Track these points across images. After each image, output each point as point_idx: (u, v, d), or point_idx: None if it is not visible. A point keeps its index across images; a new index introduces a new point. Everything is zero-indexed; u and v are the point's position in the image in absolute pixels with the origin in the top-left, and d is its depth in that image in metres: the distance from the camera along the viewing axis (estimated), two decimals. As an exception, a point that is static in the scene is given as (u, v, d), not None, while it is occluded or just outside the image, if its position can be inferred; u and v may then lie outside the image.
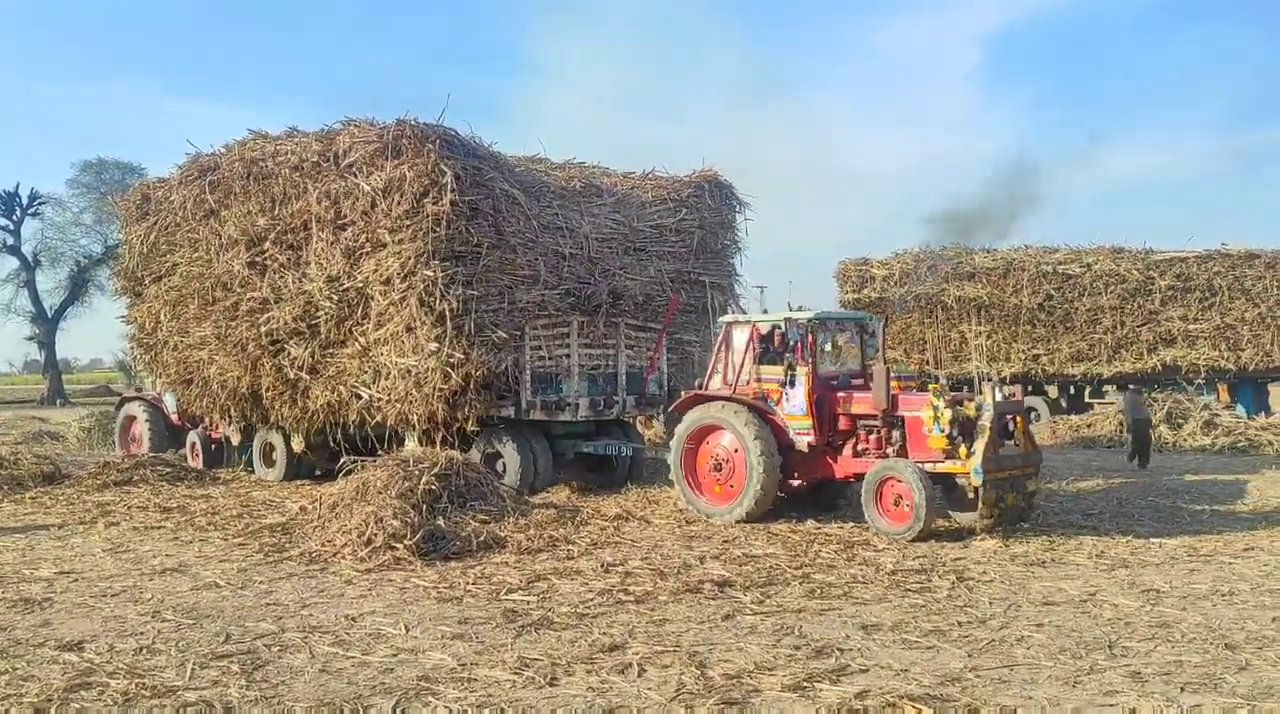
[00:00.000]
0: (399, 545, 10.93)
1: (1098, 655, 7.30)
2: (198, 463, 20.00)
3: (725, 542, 11.73)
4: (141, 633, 8.15)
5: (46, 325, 56.05)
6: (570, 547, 11.44)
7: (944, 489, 12.12)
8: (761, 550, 11.17)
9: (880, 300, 28.34)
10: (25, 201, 55.28)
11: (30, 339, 57.73)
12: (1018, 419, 12.43)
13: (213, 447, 20.21)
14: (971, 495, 11.83)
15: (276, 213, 16.73)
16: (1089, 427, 23.92)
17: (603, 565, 10.46)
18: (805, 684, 6.66)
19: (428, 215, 14.72)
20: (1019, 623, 8.21)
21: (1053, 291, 26.83)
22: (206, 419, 19.60)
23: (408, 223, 14.92)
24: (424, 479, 12.58)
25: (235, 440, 19.45)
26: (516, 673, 6.96)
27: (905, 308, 28.11)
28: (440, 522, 11.82)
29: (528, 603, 8.98)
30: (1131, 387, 17.51)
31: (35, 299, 55.91)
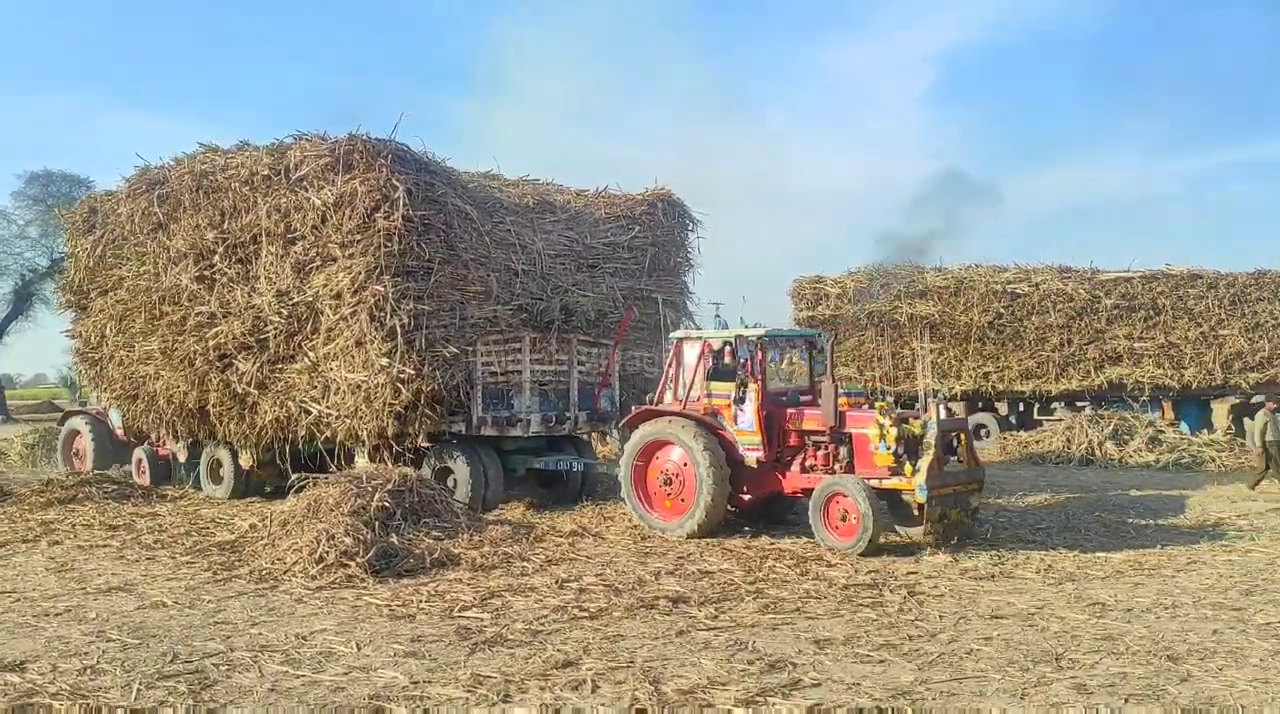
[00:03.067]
0: (351, 563, 10.83)
1: (1045, 668, 7.42)
2: (144, 480, 19.67)
3: (680, 557, 11.76)
4: (86, 653, 8.00)
5: (-11, 340, 54.82)
6: (525, 563, 11.40)
7: (890, 504, 12.24)
8: (716, 566, 11.21)
9: (834, 317, 28.64)
10: (-32, 214, 54.07)
11: (-30, 354, 56.43)
12: (962, 436, 12.64)
13: (160, 463, 19.91)
14: (916, 511, 11.98)
15: (226, 227, 16.55)
16: (1038, 443, 24.28)
17: (557, 582, 10.44)
18: (758, 699, 6.70)
19: (379, 230, 14.65)
20: (968, 636, 8.31)
21: (1002, 309, 27.23)
22: (154, 435, 19.30)
23: (359, 237, 14.85)
24: (377, 496, 12.49)
25: (182, 457, 19.16)
26: (469, 690, 6.93)
27: (859, 324, 28.42)
28: (394, 539, 11.73)
29: (481, 620, 8.94)
30: (1271, 405, 17.48)
31: (-23, 313, 54.67)
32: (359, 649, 8.05)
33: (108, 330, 18.84)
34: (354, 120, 15.01)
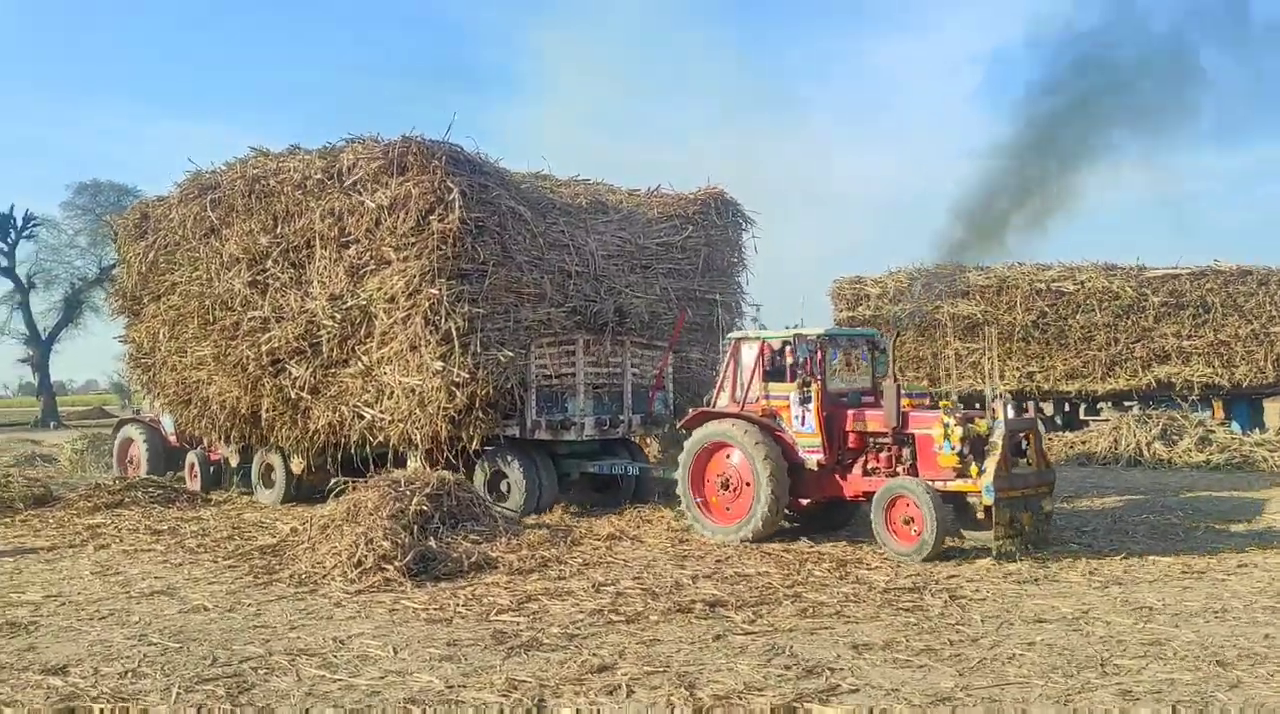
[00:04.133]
0: (389, 566, 10.87)
1: (1089, 674, 7.26)
2: (196, 484, 19.84)
3: (718, 561, 11.69)
4: (127, 656, 8.09)
5: (40, 348, 55.92)
6: (562, 567, 11.38)
7: (956, 508, 11.94)
8: (754, 569, 11.12)
9: (875, 318, 28.38)
10: (20, 223, 55.26)
11: (24, 361, 57.61)
12: (1030, 436, 12.21)
13: (211, 468, 20.06)
14: (983, 515, 11.63)
15: (279, 231, 16.61)
16: (1084, 444, 23.89)
17: (594, 585, 10.40)
18: (794, 704, 6.62)
19: (433, 233, 14.62)
20: (1011, 641, 8.16)
21: (1046, 308, 26.85)
22: (205, 440, 19.48)
23: (413, 240, 14.83)
24: (415, 500, 12.54)
25: (234, 462, 19.31)
26: (504, 695, 6.91)
27: (902, 326, 28.13)
28: (431, 542, 11.76)
29: (517, 624, 8.92)
30: None
31: (29, 321, 55.77)
32: (395, 653, 8.06)
33: (160, 336, 19.00)
34: (397, 126, 15.04)
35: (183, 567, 12.17)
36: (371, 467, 16.01)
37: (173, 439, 21.49)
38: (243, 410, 17.42)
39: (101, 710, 6.66)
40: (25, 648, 8.44)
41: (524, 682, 7.18)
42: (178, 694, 7.05)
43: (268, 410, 16.99)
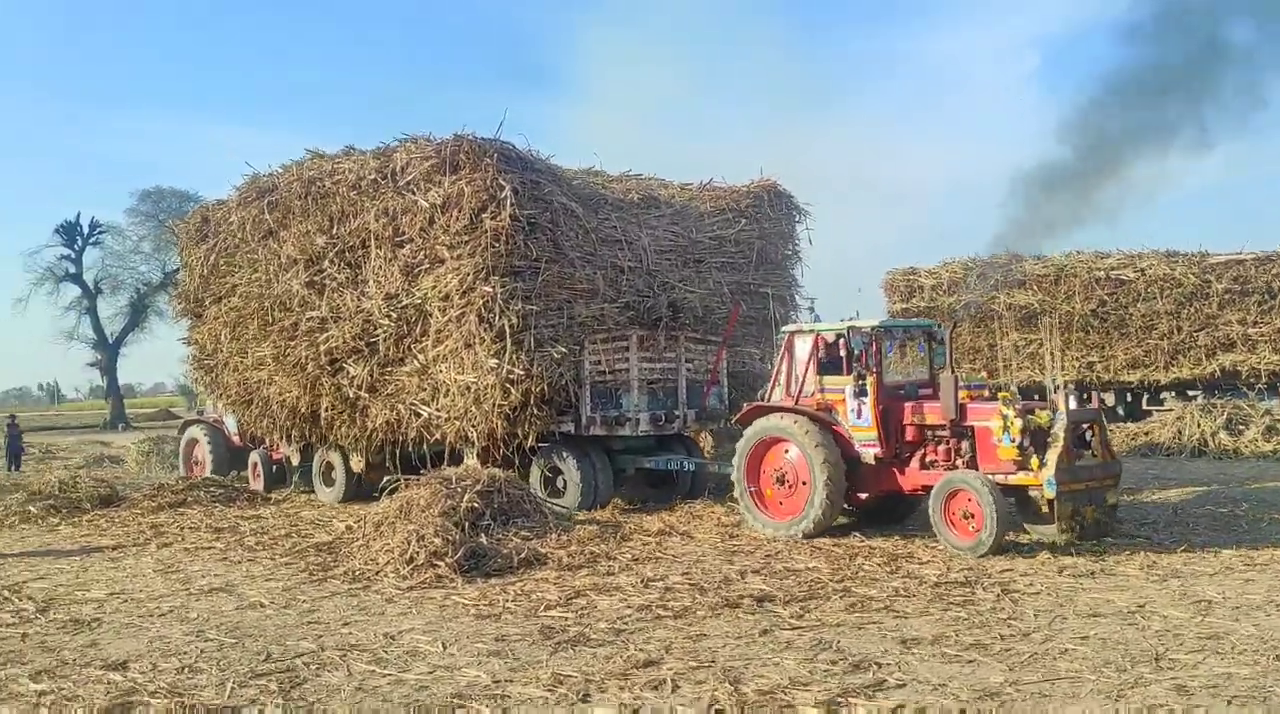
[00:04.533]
0: (440, 563, 10.99)
1: (1143, 668, 7.12)
2: (259, 484, 20.18)
3: (767, 556, 11.64)
4: (185, 652, 8.27)
5: (108, 351, 57.39)
6: (611, 563, 11.41)
7: (1017, 502, 11.77)
8: (804, 564, 11.06)
9: (930, 310, 28.07)
10: (86, 231, 56.77)
11: (92, 365, 59.18)
12: (1094, 427, 11.95)
13: (274, 467, 20.40)
14: (1045, 508, 11.42)
15: (335, 231, 16.82)
16: (1146, 434, 23.41)
17: (642, 581, 10.42)
18: (840, 700, 6.58)
19: (486, 230, 14.69)
20: (1063, 635, 8.03)
21: (1106, 297, 26.38)
22: (267, 440, 19.82)
23: (466, 238, 14.93)
24: (466, 497, 12.67)
25: (295, 461, 19.60)
26: (550, 690, 6.96)
27: (958, 316, 27.77)
28: (482, 539, 11.87)
29: (565, 619, 8.97)
30: None
31: (96, 326, 57.32)
32: (444, 648, 8.15)
33: (222, 337, 19.35)
34: (457, 125, 15.12)
35: (241, 564, 12.41)
36: (429, 464, 16.18)
37: (236, 439, 21.89)
38: (302, 410, 17.69)
39: (157, 705, 6.81)
40: (88, 644, 8.67)
41: (570, 677, 7.21)
42: (231, 689, 7.19)
43: (327, 409, 17.23)
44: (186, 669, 7.75)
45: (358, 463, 17.98)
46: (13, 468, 28.23)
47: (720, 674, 7.17)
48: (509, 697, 6.86)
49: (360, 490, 18.11)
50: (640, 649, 7.89)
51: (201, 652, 8.27)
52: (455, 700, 6.80)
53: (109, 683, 7.43)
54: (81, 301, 57.20)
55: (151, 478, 23.60)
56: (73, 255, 57.00)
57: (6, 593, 10.85)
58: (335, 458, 18.41)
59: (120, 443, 35.70)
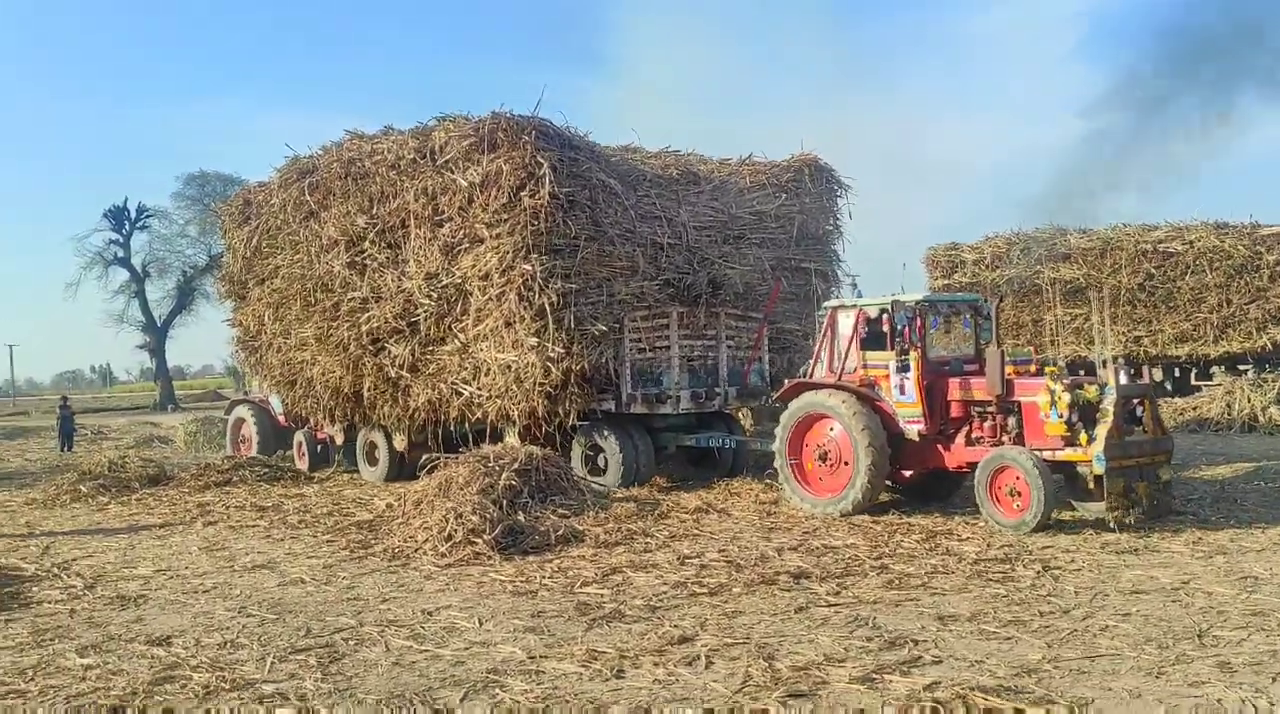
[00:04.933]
0: (478, 540, 11.06)
1: (1185, 645, 7.01)
2: (304, 464, 20.41)
3: (805, 533, 11.59)
4: (227, 628, 8.40)
5: (156, 334, 58.32)
6: (648, 540, 11.42)
7: (1066, 479, 11.57)
8: (841, 541, 11.01)
9: (972, 286, 27.74)
10: (133, 215, 57.61)
11: (141, 348, 60.18)
12: (1145, 402, 11.67)
13: (319, 447, 20.62)
14: (1093, 485, 11.19)
15: (375, 212, 16.88)
16: (1195, 409, 22.98)
17: (679, 558, 10.42)
18: (874, 676, 6.54)
19: (525, 208, 14.67)
20: (1104, 612, 7.92)
21: (1153, 270, 25.94)
22: (312, 420, 20.02)
23: (505, 217, 14.91)
24: (504, 475, 12.72)
25: (339, 440, 19.79)
26: (584, 665, 6.98)
27: (1003, 291, 27.43)
28: (520, 516, 11.93)
29: (601, 596, 8.99)
30: None
31: (145, 309, 58.24)
32: (481, 625, 8.21)
33: (265, 318, 19.53)
34: (499, 105, 14.94)
35: (284, 542, 12.58)
36: (472, 443, 16.25)
37: (282, 419, 22.15)
38: (345, 390, 17.84)
39: (199, 680, 6.92)
40: (133, 620, 8.84)
41: (604, 652, 7.23)
42: (271, 664, 7.29)
43: (369, 389, 17.36)
44: (228, 644, 7.87)
45: (400, 442, 18.10)
46: (65, 448, 28.85)
47: (754, 650, 7.16)
48: (543, 672, 6.89)
49: (403, 469, 18.19)
50: (675, 625, 7.89)
51: (243, 627, 8.39)
52: (490, 676, 6.85)
53: (153, 658, 7.56)
54: (130, 285, 58.15)
55: (199, 458, 24.02)
56: (121, 239, 57.95)
57: (56, 570, 11.08)
58: (378, 437, 18.54)
59: (169, 424, 36.30)
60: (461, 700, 6.41)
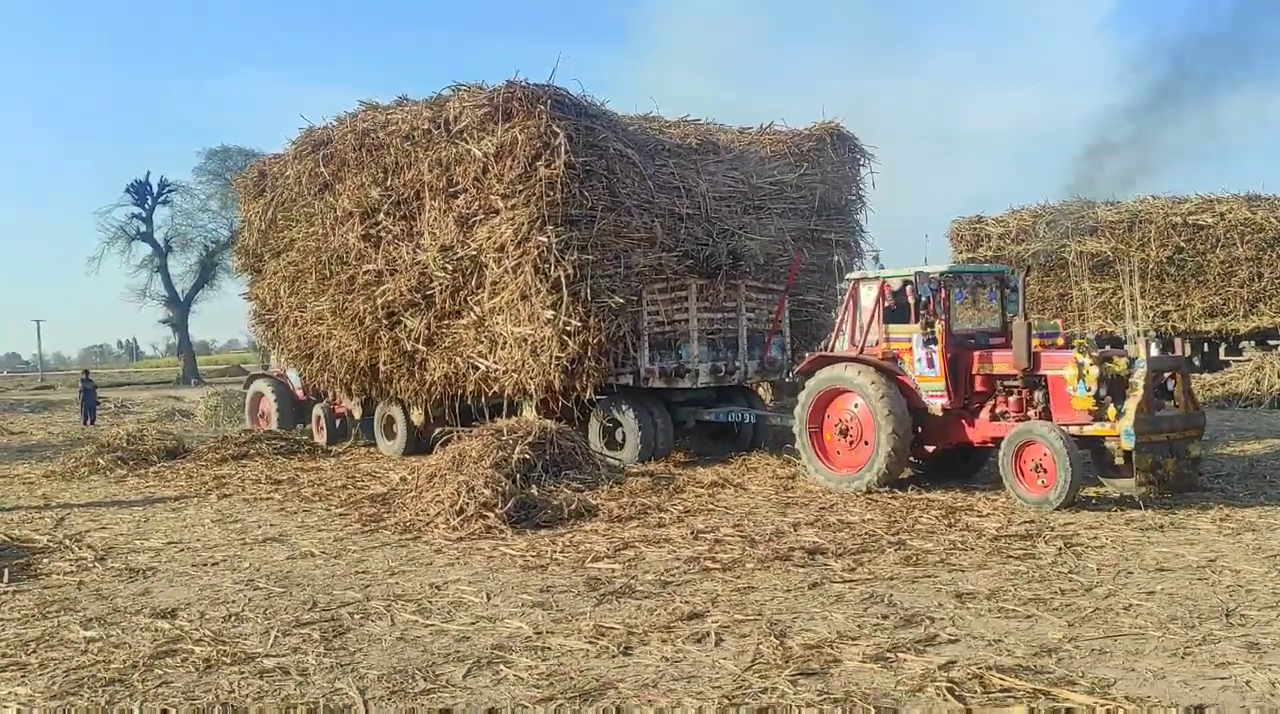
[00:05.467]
0: (490, 514, 10.93)
1: (1212, 625, 6.78)
2: (322, 438, 20.36)
3: (822, 508, 11.40)
4: (233, 601, 8.31)
5: (179, 308, 58.58)
6: (662, 515, 11.26)
7: (1094, 454, 11.30)
8: (858, 517, 10.81)
9: (996, 259, 27.32)
10: (156, 190, 57.77)
11: (164, 322, 60.51)
12: (1177, 376, 11.33)
13: (337, 421, 20.55)
14: (1122, 461, 10.90)
15: (389, 183, 16.66)
16: (1224, 385, 22.58)
17: (693, 533, 10.25)
18: (888, 655, 6.35)
19: (540, 179, 14.40)
20: (1128, 590, 7.70)
21: (1183, 243, 25.45)
22: (330, 394, 19.94)
23: (520, 187, 14.65)
24: (518, 449, 12.60)
25: (357, 414, 19.71)
26: (591, 642, 6.83)
27: (1030, 263, 27.00)
28: (533, 490, 11.81)
29: (612, 571, 8.84)
30: None
31: (168, 283, 58.52)
32: (489, 599, 8.07)
33: (281, 292, 19.39)
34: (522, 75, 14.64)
35: (297, 515, 12.51)
36: (489, 417, 16.10)
37: (300, 393, 22.10)
38: (361, 363, 17.70)
39: (200, 653, 6.82)
40: (140, 592, 8.76)
41: (612, 629, 7.08)
42: (275, 638, 7.18)
43: (385, 363, 17.22)
44: (233, 618, 7.78)
45: (418, 416, 17.97)
46: (88, 422, 28.99)
47: (766, 628, 6.99)
48: (549, 648, 6.74)
49: (421, 443, 18.01)
50: (686, 602, 7.73)
51: (249, 600, 8.30)
52: (495, 652, 6.71)
53: (156, 630, 7.48)
54: (153, 260, 58.41)
55: (220, 431, 24.00)
56: (143, 214, 58.16)
57: (68, 542, 11.04)
58: (396, 411, 18.43)
59: (192, 398, 36.44)
60: (464, 677, 6.27)
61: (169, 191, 58.02)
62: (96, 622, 7.79)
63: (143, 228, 58.11)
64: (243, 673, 6.45)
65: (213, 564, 9.82)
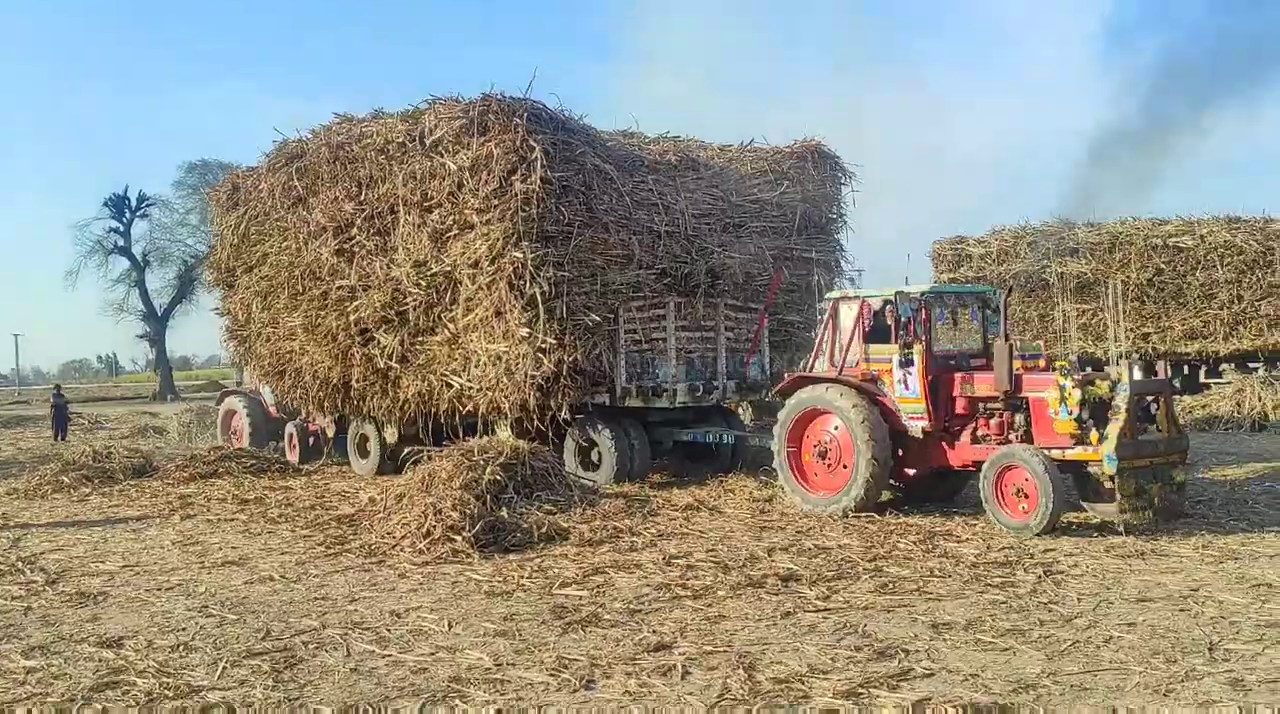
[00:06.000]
0: (457, 538, 10.63)
1: (1195, 659, 6.56)
2: (295, 456, 19.99)
3: (798, 532, 11.16)
4: (184, 629, 8.00)
5: (156, 324, 57.95)
6: (635, 538, 10.98)
7: (1075, 478, 11.08)
8: (835, 542, 10.56)
9: (978, 280, 27.25)
10: (134, 203, 57.22)
11: (141, 337, 59.78)
12: (1161, 400, 11.15)
13: (311, 440, 20.19)
14: (1108, 485, 10.65)
15: (363, 197, 16.34)
16: (1204, 408, 22.50)
17: (665, 558, 9.98)
18: (860, 690, 6.11)
19: (516, 194, 14.11)
20: (1108, 622, 7.48)
21: (1163, 265, 25.42)
22: (303, 411, 19.59)
23: (495, 202, 14.35)
24: (489, 469, 12.29)
25: (330, 432, 19.34)
26: (553, 674, 6.56)
27: (1010, 285, 26.91)
28: (504, 512, 11.50)
29: (580, 598, 8.57)
30: None
31: (145, 298, 57.85)
32: (450, 628, 7.79)
33: (254, 307, 19.03)
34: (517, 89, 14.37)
35: (260, 536, 12.18)
36: (464, 435, 15.78)
37: (273, 410, 21.72)
38: (334, 380, 17.36)
39: (142, 686, 6.51)
40: (89, 618, 8.44)
41: (575, 660, 6.81)
42: (223, 669, 6.88)
43: (358, 380, 16.90)
44: (182, 647, 7.47)
45: (391, 435, 17.63)
46: (59, 437, 28.51)
47: (735, 659, 6.73)
48: (508, 681, 6.47)
49: (395, 462, 17.72)
50: (654, 631, 7.47)
51: (201, 628, 7.99)
52: (452, 685, 6.43)
53: (100, 661, 7.16)
54: (130, 274, 57.76)
55: (193, 448, 23.57)
56: (121, 228, 57.56)
57: (20, 564, 10.70)
58: (370, 429, 18.08)
59: (167, 414, 35.94)
60: (418, 712, 5.98)
61: (148, 205, 57.49)
62: (39, 650, 7.47)
63: (120, 242, 57.53)
64: (184, 708, 6.15)
65: (167, 589, 9.49)
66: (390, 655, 7.11)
